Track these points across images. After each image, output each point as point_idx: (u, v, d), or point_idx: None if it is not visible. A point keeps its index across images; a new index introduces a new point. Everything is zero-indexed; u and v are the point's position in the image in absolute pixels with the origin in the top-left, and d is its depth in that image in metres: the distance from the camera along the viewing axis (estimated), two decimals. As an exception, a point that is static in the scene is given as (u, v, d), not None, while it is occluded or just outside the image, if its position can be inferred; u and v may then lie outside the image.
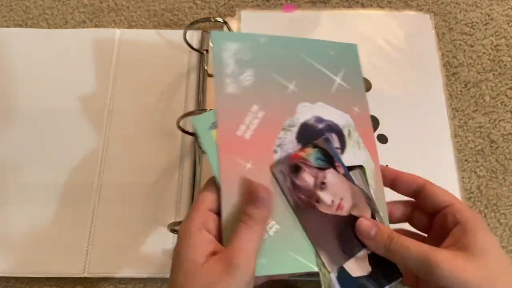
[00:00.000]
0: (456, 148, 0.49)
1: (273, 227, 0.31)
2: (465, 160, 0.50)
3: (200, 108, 0.50)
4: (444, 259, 0.28)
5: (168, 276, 0.44)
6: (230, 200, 0.31)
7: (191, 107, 0.51)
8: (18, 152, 0.49)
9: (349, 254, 0.32)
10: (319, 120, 0.35)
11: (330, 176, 0.34)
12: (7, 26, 0.56)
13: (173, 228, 0.42)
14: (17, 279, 0.45)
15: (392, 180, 0.35)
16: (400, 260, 0.30)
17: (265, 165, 0.33)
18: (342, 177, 0.34)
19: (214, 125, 0.32)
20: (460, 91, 0.53)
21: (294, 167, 0.33)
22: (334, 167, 0.34)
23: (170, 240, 0.45)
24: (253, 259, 0.29)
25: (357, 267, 0.32)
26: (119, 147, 0.49)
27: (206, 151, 0.32)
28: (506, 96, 0.52)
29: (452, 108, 0.52)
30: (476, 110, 0.52)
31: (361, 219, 0.32)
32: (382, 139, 0.48)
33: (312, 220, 0.32)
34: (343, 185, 0.34)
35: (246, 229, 0.29)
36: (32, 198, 0.47)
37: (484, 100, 0.52)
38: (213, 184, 0.32)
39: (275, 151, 0.33)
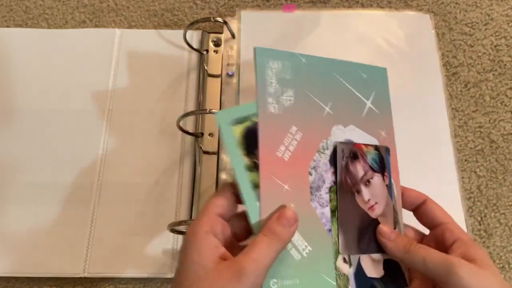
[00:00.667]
0: (456, 148, 0.49)
1: (306, 248, 0.32)
2: (465, 160, 0.50)
3: (200, 108, 0.50)
4: (464, 263, 0.30)
5: (168, 276, 0.44)
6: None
7: (191, 107, 0.51)
8: (18, 152, 0.49)
9: (362, 250, 0.34)
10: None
11: (377, 179, 0.36)
12: (7, 26, 0.56)
13: (173, 228, 0.42)
14: (17, 279, 0.45)
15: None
16: (420, 261, 0.31)
17: (301, 187, 0.33)
18: (384, 187, 0.36)
19: (236, 121, 0.32)
20: (460, 91, 0.53)
21: (354, 153, 0.36)
22: (383, 175, 0.36)
23: (170, 240, 0.45)
24: (264, 272, 0.29)
25: (372, 268, 0.34)
26: (119, 147, 0.49)
27: (226, 147, 0.32)
28: (506, 96, 0.52)
29: (452, 108, 0.52)
30: (476, 110, 0.52)
31: (382, 225, 0.35)
32: (382, 139, 0.48)
33: (346, 203, 0.35)
34: (382, 193, 0.36)
35: (265, 242, 0.29)
36: (32, 198, 0.47)
37: (484, 100, 0.52)
38: (226, 189, 0.32)
39: (310, 173, 0.34)
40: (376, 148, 0.37)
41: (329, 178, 0.34)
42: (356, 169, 0.35)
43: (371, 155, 0.36)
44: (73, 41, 0.54)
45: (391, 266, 0.35)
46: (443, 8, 0.57)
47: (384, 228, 0.34)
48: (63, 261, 0.44)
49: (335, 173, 0.35)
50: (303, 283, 0.31)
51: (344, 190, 0.35)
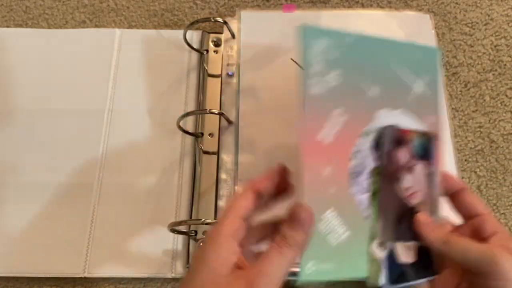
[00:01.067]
0: (456, 148, 0.49)
1: (343, 234, 0.31)
2: (465, 160, 0.50)
3: (200, 108, 0.50)
4: (506, 253, 0.29)
5: (168, 276, 0.44)
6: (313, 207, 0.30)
7: (191, 107, 0.51)
8: (18, 152, 0.49)
9: (398, 237, 0.34)
10: None
11: (420, 167, 0.35)
12: (7, 26, 0.56)
13: (173, 228, 0.42)
14: (17, 279, 0.45)
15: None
16: (460, 252, 0.31)
17: (341, 172, 0.32)
18: (426, 175, 0.35)
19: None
20: (460, 91, 0.53)
21: (398, 139, 0.34)
22: (426, 162, 0.35)
23: (170, 240, 0.45)
24: (275, 284, 0.28)
25: (404, 254, 0.34)
26: (119, 147, 0.49)
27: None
28: (506, 96, 0.52)
29: (452, 108, 0.52)
30: (476, 110, 0.52)
31: (420, 213, 0.34)
32: (383, 139, 0.48)
33: (387, 189, 0.34)
34: (424, 182, 0.35)
35: (276, 252, 0.28)
36: (32, 198, 0.47)
37: (484, 100, 0.52)
38: (250, 190, 0.31)
39: (351, 159, 0.32)
40: (422, 134, 0.35)
41: (370, 164, 0.33)
42: (399, 155, 0.34)
43: (416, 141, 0.35)
44: (73, 41, 0.54)
45: (423, 253, 0.34)
46: (443, 8, 0.57)
47: (423, 217, 0.34)
48: (63, 261, 0.44)
49: (377, 159, 0.33)
50: (338, 267, 0.31)
51: (385, 176, 0.34)
